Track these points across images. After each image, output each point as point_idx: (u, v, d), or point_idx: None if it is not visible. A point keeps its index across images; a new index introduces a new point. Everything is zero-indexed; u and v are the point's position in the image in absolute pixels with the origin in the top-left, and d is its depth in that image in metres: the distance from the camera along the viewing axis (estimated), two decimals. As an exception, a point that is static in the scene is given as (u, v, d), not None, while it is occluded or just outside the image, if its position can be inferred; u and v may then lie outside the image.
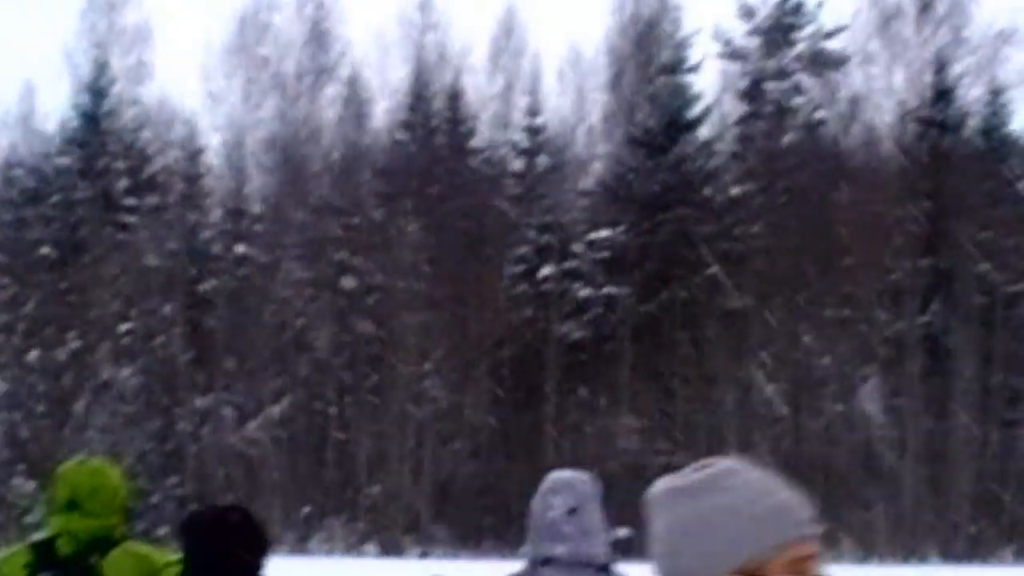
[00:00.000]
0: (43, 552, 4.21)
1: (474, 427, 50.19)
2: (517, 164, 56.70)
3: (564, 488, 4.57)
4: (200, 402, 50.12)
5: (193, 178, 54.45)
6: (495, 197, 54.20)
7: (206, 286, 51.41)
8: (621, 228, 51.55)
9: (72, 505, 4.23)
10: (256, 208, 54.45)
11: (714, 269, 49.69)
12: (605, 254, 51.62)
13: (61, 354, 49.54)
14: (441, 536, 50.37)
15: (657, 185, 51.40)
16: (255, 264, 51.51)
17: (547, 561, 4.52)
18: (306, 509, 49.29)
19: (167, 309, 50.11)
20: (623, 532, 47.14)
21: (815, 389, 49.61)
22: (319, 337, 51.02)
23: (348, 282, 51.62)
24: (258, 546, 3.84)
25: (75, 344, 49.73)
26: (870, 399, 51.12)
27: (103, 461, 4.44)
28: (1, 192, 54.52)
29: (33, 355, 49.20)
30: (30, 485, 48.65)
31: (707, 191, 51.68)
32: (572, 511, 4.52)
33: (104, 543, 4.22)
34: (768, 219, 49.08)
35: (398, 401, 49.84)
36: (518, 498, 49.72)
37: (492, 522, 51.23)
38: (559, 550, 4.48)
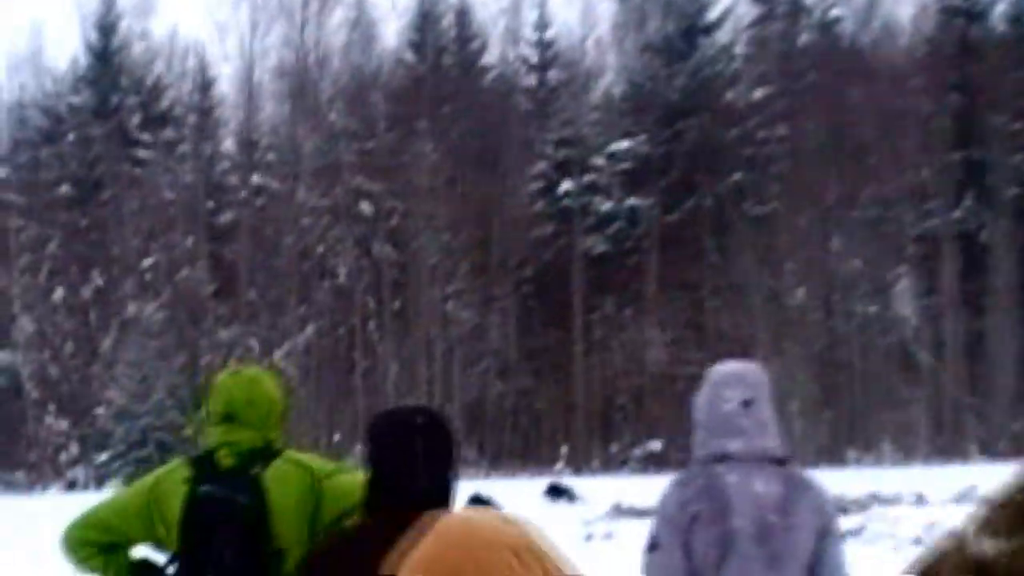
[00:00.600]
0: (203, 465, 4.12)
1: (501, 347, 50.70)
2: (529, 80, 56.80)
3: (737, 380, 4.37)
4: (225, 334, 50.90)
5: (206, 110, 54.87)
6: (509, 115, 54.26)
7: (225, 218, 51.91)
8: (642, 138, 51.59)
9: (229, 417, 4.16)
10: (269, 137, 54.81)
11: (739, 175, 49.68)
12: (626, 165, 51.71)
13: (86, 292, 50.36)
14: (472, 458, 51.08)
15: (676, 93, 51.39)
16: (271, 193, 52.00)
17: (721, 458, 4.28)
18: (336, 436, 50.09)
19: (188, 242, 50.74)
20: (654, 445, 47.75)
21: (846, 292, 49.71)
22: (340, 264, 51.48)
23: (366, 208, 51.93)
24: (445, 449, 3.77)
25: (99, 281, 50.50)
26: (903, 300, 51.18)
27: (258, 370, 4.35)
28: (15, 133, 54.99)
29: (58, 294, 50.05)
30: (62, 423, 49.71)
31: (728, 96, 51.40)
32: (747, 403, 4.31)
33: (265, 454, 4.14)
34: (791, 122, 48.97)
35: (423, 325, 50.37)
36: (548, 416, 50.46)
37: (522, 441, 51.86)
38: (734, 445, 4.25)
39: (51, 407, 49.85)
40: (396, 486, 3.69)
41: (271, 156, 53.58)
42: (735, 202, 50.03)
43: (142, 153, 52.92)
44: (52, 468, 49.55)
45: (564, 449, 49.92)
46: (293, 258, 51.41)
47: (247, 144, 53.70)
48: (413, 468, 3.69)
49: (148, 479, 4.24)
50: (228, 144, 55.38)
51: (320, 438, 50.52)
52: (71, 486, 48.92)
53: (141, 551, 4.26)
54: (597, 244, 51.38)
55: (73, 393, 50.16)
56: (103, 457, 48.30)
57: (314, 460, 4.25)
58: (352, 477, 4.13)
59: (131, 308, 50.47)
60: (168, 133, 53.76)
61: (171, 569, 4.09)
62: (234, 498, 4.02)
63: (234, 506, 4.01)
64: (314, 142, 52.92)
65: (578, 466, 49.00)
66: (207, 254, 51.45)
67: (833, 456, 47.77)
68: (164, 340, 49.48)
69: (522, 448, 50.97)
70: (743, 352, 48.10)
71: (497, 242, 51.30)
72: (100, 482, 48.40)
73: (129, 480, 45.47)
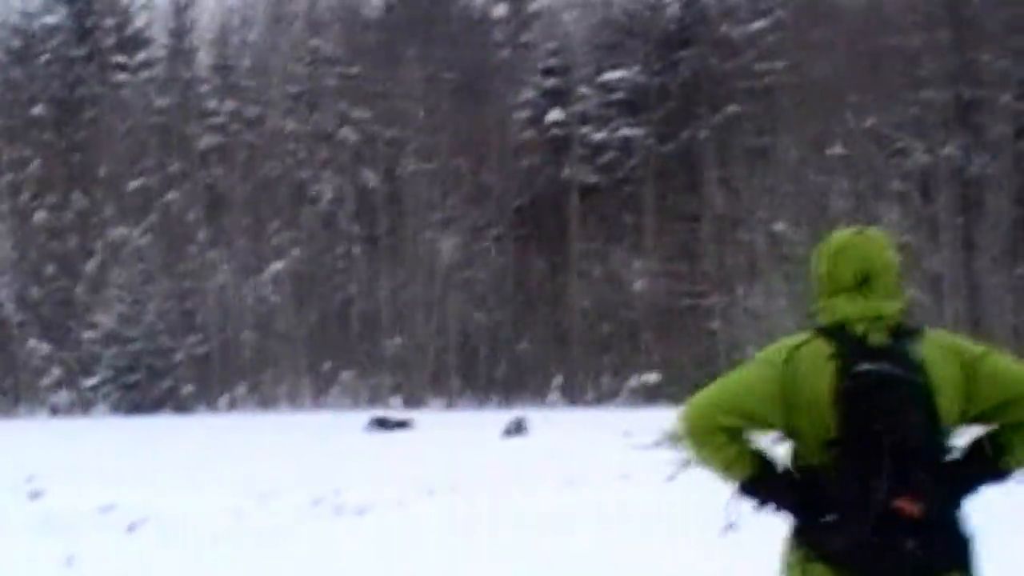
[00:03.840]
0: (845, 340, 3.85)
1: (494, 277, 53.38)
2: (500, 9, 59.90)
3: None
4: (212, 259, 52.99)
5: (180, 33, 57.21)
6: (486, 42, 57.24)
7: (207, 141, 54.06)
8: (635, 68, 54.38)
9: (862, 284, 3.96)
10: (247, 62, 57.39)
11: (734, 107, 52.48)
12: (619, 95, 54.43)
13: (68, 214, 52.23)
14: (459, 386, 53.56)
15: (672, 23, 54.24)
16: (250, 119, 54.41)
17: None
18: (327, 364, 52.45)
19: (173, 166, 52.84)
20: (652, 377, 50.51)
21: (832, 226, 52.27)
22: (325, 190, 53.83)
23: (350, 134, 54.15)
24: None
25: (82, 203, 52.45)
26: (893, 235, 54.07)
27: (877, 229, 4.12)
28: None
29: (40, 216, 51.96)
30: (44, 347, 51.51)
31: (723, 28, 54.16)
32: None
33: (908, 328, 3.91)
34: (787, 56, 51.86)
35: (414, 253, 52.77)
36: (541, 346, 53.14)
37: (512, 373, 54.27)
38: None
39: (33, 330, 51.65)
40: None
41: (247, 82, 56.05)
42: (732, 134, 52.67)
43: (120, 76, 54.70)
44: (30, 392, 51.34)
45: (558, 379, 52.55)
46: (276, 183, 53.69)
47: (222, 69, 56.66)
48: None
49: (774, 356, 3.96)
50: (205, 69, 57.67)
51: (309, 365, 52.75)
52: (53, 411, 50.77)
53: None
54: (589, 174, 53.88)
55: (56, 316, 52.30)
56: (91, 382, 50.26)
57: (959, 340, 3.99)
58: (1004, 359, 3.98)
59: (116, 231, 52.30)
60: (143, 55, 56.19)
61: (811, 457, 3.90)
62: (911, 378, 3.76)
63: (913, 386, 3.76)
64: (297, 68, 55.50)
65: (572, 397, 51.61)
66: (192, 178, 53.46)
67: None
68: (152, 264, 51.29)
69: (516, 379, 53.59)
70: (738, 285, 50.85)
71: (487, 171, 54.01)
72: (86, 407, 50.42)
73: (117, 405, 47.67)
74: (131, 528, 14.08)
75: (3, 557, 12.29)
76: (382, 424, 35.02)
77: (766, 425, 3.89)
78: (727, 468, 3.93)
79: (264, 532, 13.46)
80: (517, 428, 30.75)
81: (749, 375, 3.95)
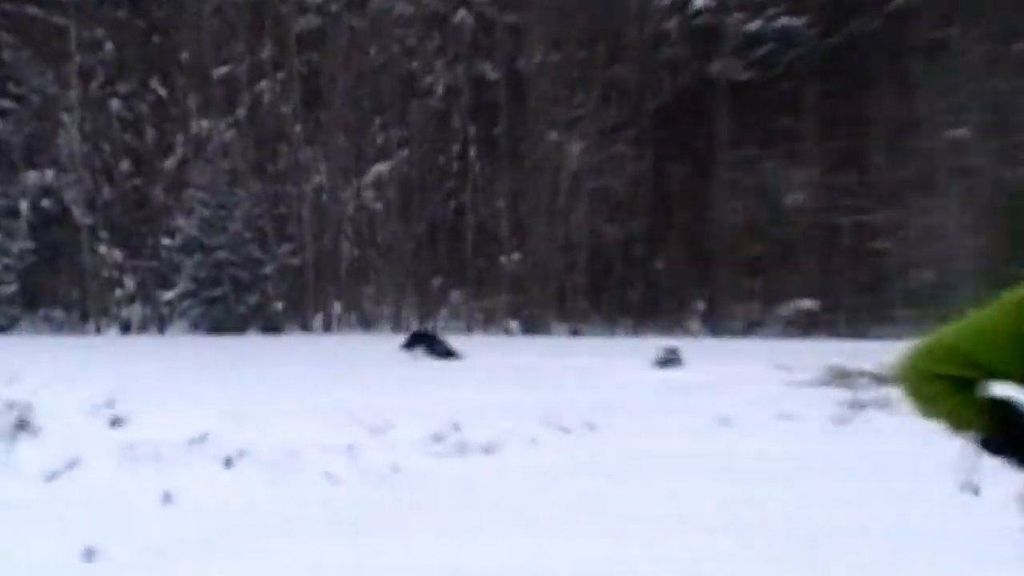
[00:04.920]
0: None
1: (627, 187, 52.99)
2: None
3: None
4: (307, 158, 53.11)
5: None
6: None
7: (304, 24, 53.96)
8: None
9: None
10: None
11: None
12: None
13: (144, 105, 52.49)
14: (585, 310, 53.50)
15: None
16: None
17: None
18: (437, 279, 52.67)
19: (265, 52, 52.77)
20: (808, 304, 50.33)
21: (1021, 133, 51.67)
22: (437, 83, 53.79)
23: (466, 18, 54.00)
24: None
25: (160, 92, 52.64)
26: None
27: None
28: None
29: (113, 106, 52.13)
30: (116, 255, 51.85)
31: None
32: None
33: None
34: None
35: (534, 158, 52.68)
36: (679, 268, 52.94)
37: (646, 296, 54.17)
38: None
39: (103, 235, 52.01)
40: None
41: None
42: (907, 26, 51.76)
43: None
44: (101, 307, 51.74)
45: (699, 304, 52.44)
46: (381, 73, 53.68)
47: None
48: None
49: (1011, 299, 3.90)
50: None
51: (410, 279, 52.89)
52: (124, 328, 51.23)
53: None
54: (741, 71, 53.30)
55: (130, 220, 52.64)
56: (168, 295, 50.70)
57: None
58: None
59: (199, 125, 52.58)
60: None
61: None
62: None
63: None
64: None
65: (715, 325, 51.54)
66: (287, 66, 53.56)
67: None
68: (238, 163, 51.53)
69: (651, 303, 53.50)
70: (910, 199, 50.26)
71: (622, 65, 53.51)
72: (162, 324, 50.86)
73: (198, 323, 48.14)
74: (228, 463, 14.10)
75: (93, 492, 12.35)
76: (422, 340, 34.98)
77: (999, 374, 3.82)
78: (951, 421, 3.89)
79: (383, 472, 13.42)
80: (671, 359, 30.42)
81: (983, 318, 3.88)
